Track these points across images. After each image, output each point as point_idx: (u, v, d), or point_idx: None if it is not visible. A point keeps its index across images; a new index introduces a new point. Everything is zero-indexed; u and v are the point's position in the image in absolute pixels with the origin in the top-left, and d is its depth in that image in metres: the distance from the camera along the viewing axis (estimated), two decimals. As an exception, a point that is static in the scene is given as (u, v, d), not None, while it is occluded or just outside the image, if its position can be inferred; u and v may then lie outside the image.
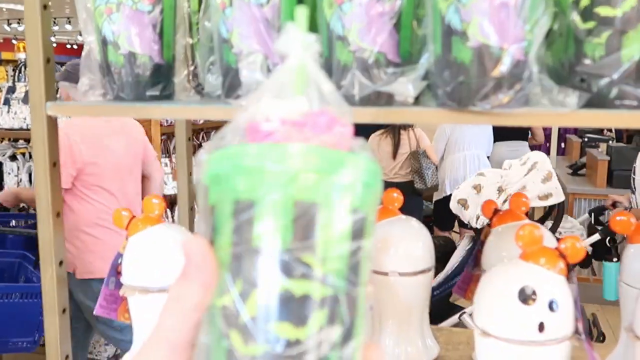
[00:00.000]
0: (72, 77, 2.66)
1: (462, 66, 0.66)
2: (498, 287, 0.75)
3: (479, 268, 0.99)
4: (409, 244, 0.96)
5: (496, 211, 0.98)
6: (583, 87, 0.67)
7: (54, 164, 0.84)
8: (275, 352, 0.30)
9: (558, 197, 3.00)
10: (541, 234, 0.76)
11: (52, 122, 0.83)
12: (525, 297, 0.71)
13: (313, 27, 0.86)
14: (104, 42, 0.85)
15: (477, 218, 3.01)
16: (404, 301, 0.96)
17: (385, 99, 0.73)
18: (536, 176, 2.99)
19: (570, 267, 0.76)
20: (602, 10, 0.65)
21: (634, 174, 2.86)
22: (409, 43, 0.74)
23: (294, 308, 0.30)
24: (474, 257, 1.01)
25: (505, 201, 2.89)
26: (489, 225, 0.99)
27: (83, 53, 0.89)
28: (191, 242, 0.33)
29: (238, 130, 0.35)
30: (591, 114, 0.65)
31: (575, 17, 0.67)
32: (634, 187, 2.84)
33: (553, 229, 3.23)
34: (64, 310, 0.88)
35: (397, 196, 1.00)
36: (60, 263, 0.85)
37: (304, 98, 0.34)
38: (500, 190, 3.05)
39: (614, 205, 3.10)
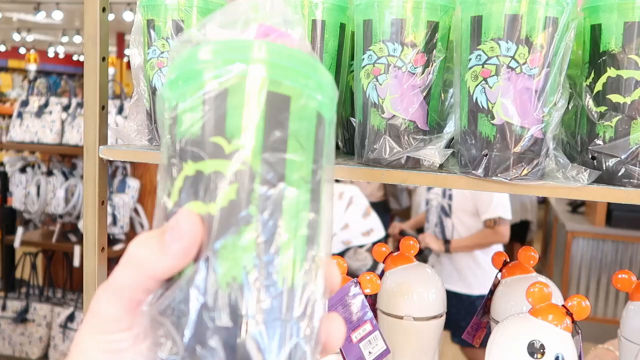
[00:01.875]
0: None
1: (487, 140, 0.73)
2: (508, 340, 0.82)
3: (488, 316, 1.06)
4: (424, 290, 1.03)
5: (505, 263, 1.05)
6: (594, 164, 0.74)
7: (102, 202, 0.91)
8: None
9: (379, 232, 2.96)
10: (550, 292, 0.83)
11: (103, 164, 0.90)
12: (534, 350, 0.78)
13: (349, 92, 0.94)
14: (153, 92, 0.93)
15: None
16: (417, 344, 1.02)
17: (412, 163, 0.80)
18: (356, 212, 2.94)
19: (575, 323, 0.83)
20: (613, 97, 0.72)
21: (450, 200, 2.88)
22: (436, 113, 0.81)
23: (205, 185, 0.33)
24: (483, 305, 1.07)
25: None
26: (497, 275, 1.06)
27: (132, 99, 0.96)
28: (184, 213, 0.33)
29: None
30: (601, 190, 0.72)
31: (589, 100, 0.74)
32: (449, 212, 2.87)
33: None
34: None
35: (413, 244, 1.07)
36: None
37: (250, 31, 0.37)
38: None
39: (401, 233, 3.09)
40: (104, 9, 0.89)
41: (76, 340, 0.35)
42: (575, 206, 5.07)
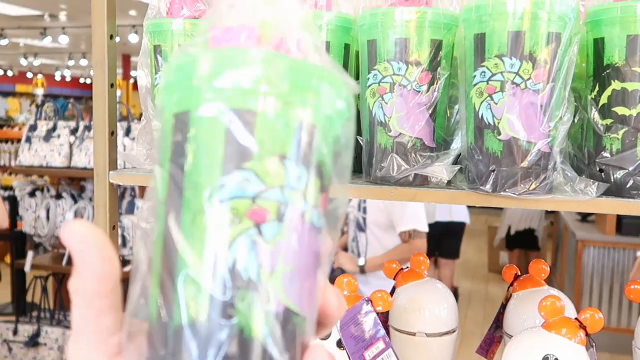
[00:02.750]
0: None
1: (494, 156, 0.74)
2: (522, 355, 0.81)
3: (501, 330, 1.06)
4: (436, 306, 1.03)
5: (517, 276, 1.05)
6: (602, 176, 0.74)
7: (114, 227, 0.92)
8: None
9: None
10: (563, 306, 0.83)
11: (113, 189, 0.91)
12: (549, 365, 0.78)
13: (356, 112, 0.94)
14: (161, 117, 0.94)
15: None
16: (430, 360, 1.02)
17: (420, 180, 0.81)
18: None
19: (589, 336, 0.82)
20: (619, 110, 0.73)
21: (365, 214, 2.79)
22: (443, 130, 0.82)
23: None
24: (495, 320, 1.07)
25: None
26: (509, 289, 1.06)
27: (141, 124, 0.97)
28: (72, 231, 0.30)
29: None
30: (610, 202, 0.72)
31: (594, 113, 0.75)
32: (364, 227, 2.79)
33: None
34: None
35: (424, 260, 1.07)
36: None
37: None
38: None
39: None
40: (111, 36, 0.91)
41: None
42: (585, 215, 5.04)
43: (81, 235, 0.30)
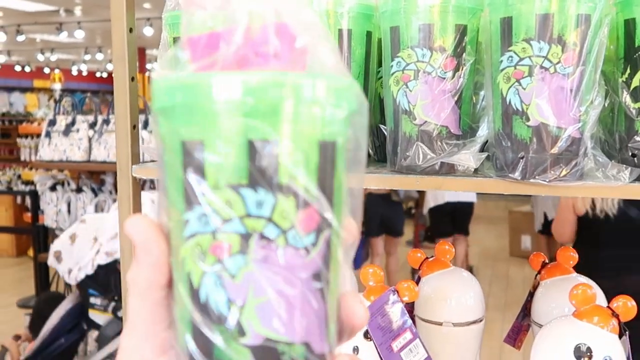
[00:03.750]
0: None
1: (522, 142, 0.72)
2: (553, 344, 0.80)
3: (529, 318, 1.04)
4: (462, 295, 1.01)
5: (544, 264, 1.03)
6: (634, 161, 0.73)
7: (137, 221, 0.92)
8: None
9: None
10: (594, 293, 0.81)
11: (136, 183, 0.91)
12: (581, 354, 0.76)
13: (379, 100, 0.93)
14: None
15: (69, 272, 2.73)
16: (457, 350, 1.01)
17: (446, 168, 0.79)
18: None
19: (621, 324, 0.81)
20: (652, 93, 0.71)
21: None
22: (468, 116, 0.80)
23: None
24: (523, 308, 1.06)
25: (97, 252, 2.66)
26: (537, 277, 1.04)
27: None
28: (134, 223, 0.32)
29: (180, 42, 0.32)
30: (643, 188, 0.70)
31: (626, 97, 0.73)
32: None
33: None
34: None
35: (449, 249, 1.06)
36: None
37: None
38: (95, 239, 2.77)
39: None
40: (130, 30, 0.90)
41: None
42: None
43: (143, 228, 0.32)
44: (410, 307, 1.04)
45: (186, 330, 0.31)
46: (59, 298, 2.99)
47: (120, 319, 2.62)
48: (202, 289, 0.30)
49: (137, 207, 0.92)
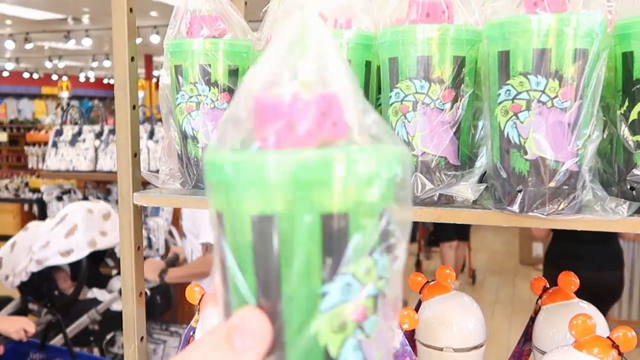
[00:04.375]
0: None
1: (520, 176, 0.72)
2: (553, 375, 0.80)
3: (530, 343, 1.04)
4: (463, 320, 1.01)
5: (545, 289, 1.03)
6: (633, 194, 0.72)
7: (138, 248, 0.92)
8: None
9: (80, 253, 2.78)
10: (594, 324, 0.81)
11: (138, 210, 0.92)
12: (580, 386, 0.76)
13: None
14: (183, 136, 0.94)
15: (6, 278, 2.80)
16: (458, 375, 1.01)
17: (445, 199, 0.80)
18: (60, 230, 2.78)
19: (622, 354, 0.81)
20: (650, 126, 0.71)
21: (181, 220, 2.73)
22: (467, 147, 0.81)
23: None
24: (524, 333, 1.05)
25: (30, 260, 2.71)
26: (538, 302, 1.04)
27: (163, 144, 0.97)
28: (251, 313, 0.32)
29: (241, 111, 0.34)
30: (641, 221, 0.70)
31: (624, 129, 0.73)
32: (185, 233, 2.75)
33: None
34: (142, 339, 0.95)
35: (450, 272, 1.06)
36: (142, 339, 0.93)
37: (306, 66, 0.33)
38: (30, 247, 2.81)
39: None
40: (132, 58, 0.91)
41: None
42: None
43: (263, 325, 0.32)
44: (411, 332, 1.04)
45: None
46: (5, 301, 3.04)
47: (52, 324, 2.65)
48: (341, 354, 0.32)
49: (138, 234, 0.92)
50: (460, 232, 5.19)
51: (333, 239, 0.31)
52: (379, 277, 0.32)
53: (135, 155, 0.92)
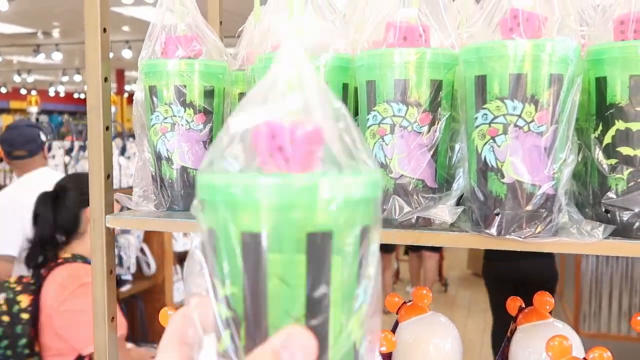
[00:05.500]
0: None
1: (498, 199, 0.72)
2: (531, 398, 0.80)
3: (506, 364, 1.04)
4: (440, 340, 1.01)
5: (521, 309, 1.04)
6: (608, 217, 0.73)
7: (110, 272, 0.90)
8: None
9: None
10: (570, 345, 0.81)
11: (110, 233, 0.90)
12: (558, 409, 0.76)
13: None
14: (158, 158, 0.93)
15: None
16: (436, 397, 1.00)
17: (423, 222, 0.79)
18: None
19: (597, 375, 0.81)
20: (623, 150, 0.72)
21: None
22: (444, 169, 0.81)
23: None
24: (500, 353, 1.06)
25: None
26: (514, 322, 1.04)
27: (137, 165, 0.96)
28: (297, 330, 0.34)
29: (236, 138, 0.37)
30: (617, 244, 0.71)
31: (598, 153, 0.74)
32: None
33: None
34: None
35: (427, 293, 1.06)
36: (114, 365, 0.91)
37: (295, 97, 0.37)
38: None
39: None
40: (105, 79, 0.89)
41: None
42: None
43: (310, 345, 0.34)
44: (388, 355, 1.03)
45: None
46: None
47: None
48: (361, 349, 0.37)
49: (110, 258, 0.90)
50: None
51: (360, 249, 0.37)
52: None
53: (108, 177, 0.90)
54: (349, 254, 0.36)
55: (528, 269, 3.08)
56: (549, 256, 3.25)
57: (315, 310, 0.34)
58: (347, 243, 0.36)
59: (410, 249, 5.60)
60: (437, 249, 5.48)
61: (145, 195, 0.94)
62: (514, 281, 3.11)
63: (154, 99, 0.91)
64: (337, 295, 0.35)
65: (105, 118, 0.89)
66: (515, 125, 0.70)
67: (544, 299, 1.02)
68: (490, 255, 3.33)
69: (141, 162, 0.95)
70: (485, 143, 0.72)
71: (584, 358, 0.81)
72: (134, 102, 0.94)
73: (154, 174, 0.93)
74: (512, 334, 1.04)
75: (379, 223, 0.39)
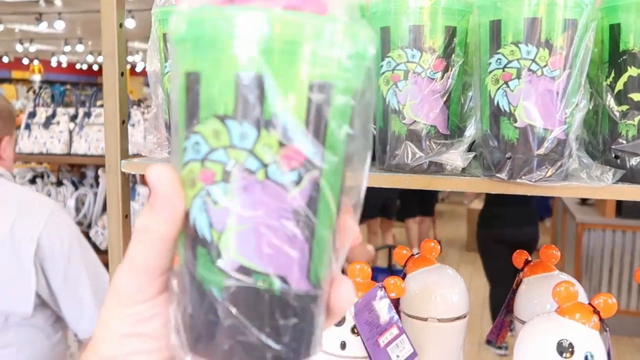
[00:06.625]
0: None
1: (509, 143, 0.74)
2: (537, 340, 0.82)
3: (511, 315, 1.06)
4: (447, 291, 1.03)
5: (527, 262, 1.06)
6: (617, 163, 0.74)
7: (126, 216, 0.92)
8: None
9: None
10: (576, 291, 0.83)
11: (125, 178, 0.91)
12: (563, 350, 0.78)
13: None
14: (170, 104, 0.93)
15: None
16: (442, 345, 1.02)
17: (435, 167, 0.81)
18: None
19: (603, 320, 0.83)
20: (635, 96, 0.73)
21: None
22: (457, 117, 0.82)
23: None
24: (506, 305, 1.08)
25: None
26: (519, 274, 1.06)
27: (151, 113, 0.97)
28: (159, 172, 0.33)
29: None
30: (626, 188, 0.72)
31: (610, 100, 0.75)
32: None
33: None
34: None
35: (434, 246, 1.07)
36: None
37: None
38: None
39: None
40: (120, 25, 0.90)
41: (101, 316, 0.36)
42: (584, 198, 5.03)
43: (167, 180, 0.33)
44: (396, 303, 1.05)
45: (181, 247, 0.35)
46: None
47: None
48: (191, 211, 0.33)
49: (125, 202, 0.92)
50: (424, 209, 5.70)
51: (190, 95, 0.33)
52: (234, 147, 0.32)
53: (124, 122, 0.91)
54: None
55: (517, 233, 3.51)
56: (534, 223, 3.72)
57: None
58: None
59: (407, 216, 5.77)
60: (430, 214, 5.81)
61: (159, 143, 0.95)
62: (506, 243, 3.40)
63: (168, 45, 0.92)
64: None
65: (121, 63, 0.89)
66: (529, 70, 0.71)
67: (550, 252, 1.04)
68: (485, 223, 3.71)
69: (155, 108, 0.96)
70: (499, 88, 0.73)
71: (589, 303, 0.83)
72: (148, 48, 0.95)
73: (167, 121, 0.94)
74: (517, 286, 1.06)
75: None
